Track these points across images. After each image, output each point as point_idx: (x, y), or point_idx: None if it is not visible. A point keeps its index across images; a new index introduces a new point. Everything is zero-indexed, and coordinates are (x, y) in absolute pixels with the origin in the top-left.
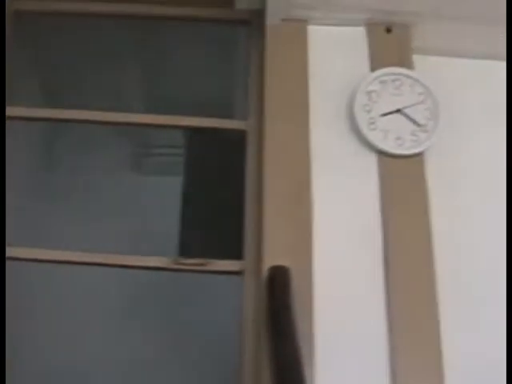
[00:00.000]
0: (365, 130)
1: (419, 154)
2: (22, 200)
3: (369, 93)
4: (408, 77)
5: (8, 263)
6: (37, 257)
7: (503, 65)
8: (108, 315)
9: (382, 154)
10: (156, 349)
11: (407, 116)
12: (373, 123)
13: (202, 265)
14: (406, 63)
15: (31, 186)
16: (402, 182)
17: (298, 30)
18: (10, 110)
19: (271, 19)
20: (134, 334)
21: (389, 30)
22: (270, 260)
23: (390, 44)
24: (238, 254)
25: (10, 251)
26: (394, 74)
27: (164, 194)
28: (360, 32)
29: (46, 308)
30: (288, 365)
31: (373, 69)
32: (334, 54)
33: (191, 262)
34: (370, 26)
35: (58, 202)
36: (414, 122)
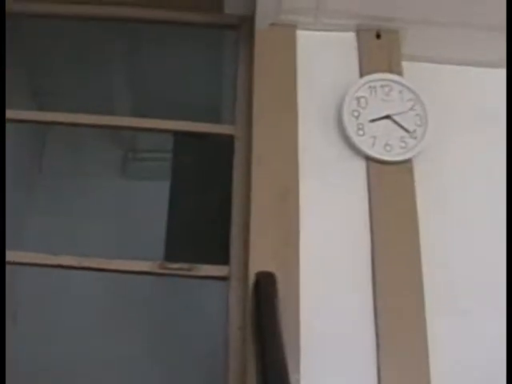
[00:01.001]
0: (353, 136)
1: (408, 161)
2: (8, 203)
3: (358, 98)
4: (397, 83)
5: None
6: (22, 260)
7: (493, 71)
8: (93, 319)
9: (370, 160)
10: (141, 354)
11: (396, 122)
12: (361, 129)
13: (187, 269)
14: (396, 69)
15: (18, 190)
16: (391, 188)
17: (287, 34)
18: None
19: (260, 24)
20: (119, 338)
21: (378, 36)
22: (256, 265)
23: (380, 50)
24: (224, 260)
25: None
26: (384, 79)
27: (150, 199)
28: (349, 37)
29: (31, 311)
30: (273, 370)
31: (362, 74)
32: (322, 60)
33: (177, 267)
34: (360, 32)
35: (45, 206)
36: (403, 128)
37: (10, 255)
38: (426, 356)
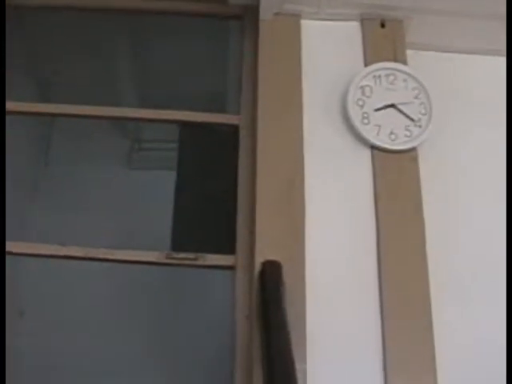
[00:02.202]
0: (358, 125)
1: (413, 149)
2: (14, 194)
3: (362, 87)
4: (402, 72)
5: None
6: (28, 251)
7: (498, 59)
8: (100, 310)
9: (375, 148)
10: (146, 343)
11: (401, 111)
12: (366, 118)
13: (193, 259)
14: (400, 58)
15: (23, 181)
16: (396, 176)
17: (291, 24)
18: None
19: (264, 14)
20: (125, 328)
21: (383, 25)
22: (261, 255)
23: (384, 39)
24: (230, 249)
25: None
26: (388, 68)
27: (156, 189)
28: (354, 27)
29: (37, 302)
30: (279, 360)
31: (366, 64)
32: (327, 49)
33: (183, 257)
34: (364, 21)
35: (50, 197)
36: (408, 116)
37: (16, 246)
38: (432, 344)
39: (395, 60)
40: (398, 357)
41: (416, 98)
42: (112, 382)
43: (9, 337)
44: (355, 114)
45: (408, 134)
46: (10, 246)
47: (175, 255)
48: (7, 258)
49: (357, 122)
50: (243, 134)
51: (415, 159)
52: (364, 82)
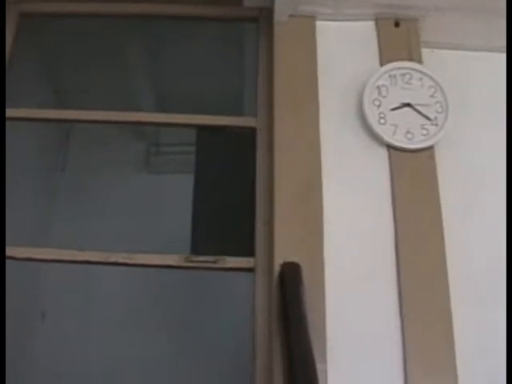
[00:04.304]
0: (374, 125)
1: (429, 148)
2: (34, 201)
3: (378, 87)
4: (417, 71)
5: (23, 263)
6: (49, 257)
7: None
8: (120, 313)
9: (392, 148)
10: (169, 346)
11: (417, 110)
12: (382, 118)
13: (213, 262)
14: (415, 57)
15: (43, 186)
16: (413, 176)
17: (306, 26)
18: (21, 112)
19: (279, 16)
20: (145, 331)
21: (397, 25)
22: (281, 256)
23: (399, 38)
24: (249, 251)
25: (23, 252)
26: (403, 68)
27: (175, 192)
28: (368, 27)
29: (60, 307)
30: (300, 360)
31: (382, 63)
32: (342, 50)
33: (203, 260)
34: (378, 21)
35: (69, 202)
36: (424, 115)
37: (37, 252)
38: (452, 340)
39: (410, 59)
40: (418, 356)
41: (432, 96)
42: None
43: (31, 338)
44: (371, 114)
45: (425, 132)
46: (31, 253)
47: (195, 258)
48: (29, 263)
49: (373, 121)
50: (260, 136)
51: (432, 158)
52: (380, 82)
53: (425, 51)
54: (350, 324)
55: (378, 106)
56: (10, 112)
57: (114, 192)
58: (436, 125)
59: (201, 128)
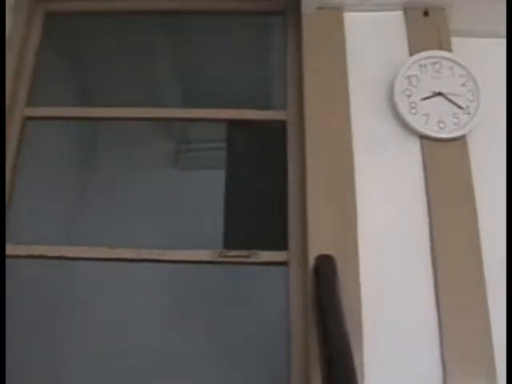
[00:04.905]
0: (406, 115)
1: (462, 137)
2: (65, 199)
3: (408, 77)
4: (447, 59)
5: (57, 262)
6: (81, 255)
7: None
8: (152, 311)
9: (424, 138)
10: (200, 343)
11: (448, 99)
12: (414, 107)
13: (246, 256)
14: (445, 46)
15: (72, 185)
16: (446, 165)
17: (333, 17)
18: (49, 111)
19: (306, 8)
20: (178, 328)
21: (426, 14)
22: (315, 249)
23: (428, 27)
24: (283, 245)
25: (57, 250)
26: (433, 57)
27: (206, 188)
28: (397, 16)
29: (91, 306)
30: (337, 352)
31: (411, 53)
32: (371, 40)
33: (235, 254)
34: (407, 10)
35: (99, 201)
36: (456, 104)
37: (68, 251)
38: (489, 327)
39: (440, 48)
40: (455, 344)
41: (463, 85)
42: (165, 382)
43: (63, 337)
44: (403, 104)
45: (456, 121)
46: (63, 251)
47: (228, 253)
48: (60, 261)
49: (404, 111)
50: (291, 129)
51: (465, 146)
52: (410, 72)
53: (454, 40)
54: (386, 315)
55: (409, 96)
56: (40, 111)
57: (145, 189)
58: (468, 113)
59: (230, 122)
